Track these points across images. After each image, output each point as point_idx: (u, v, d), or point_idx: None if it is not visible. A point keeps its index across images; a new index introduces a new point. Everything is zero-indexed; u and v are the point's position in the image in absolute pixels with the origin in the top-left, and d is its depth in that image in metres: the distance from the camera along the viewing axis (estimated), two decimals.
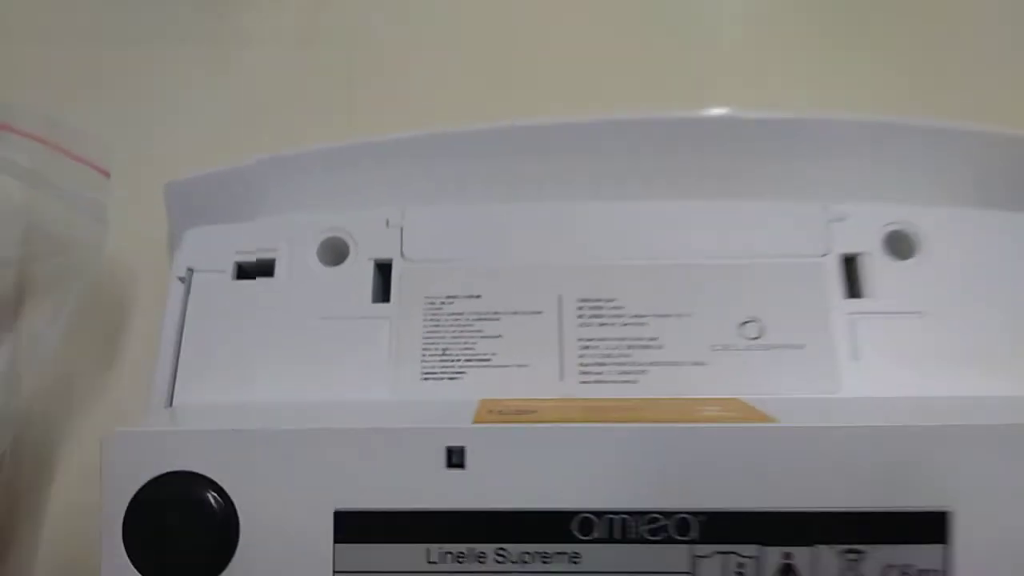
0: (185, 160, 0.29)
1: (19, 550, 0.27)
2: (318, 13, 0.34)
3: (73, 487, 0.27)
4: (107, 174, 0.27)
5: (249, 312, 0.26)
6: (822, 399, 0.23)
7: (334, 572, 0.20)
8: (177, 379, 0.25)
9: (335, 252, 0.26)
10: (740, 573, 0.20)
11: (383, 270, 0.26)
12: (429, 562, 0.20)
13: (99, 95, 0.32)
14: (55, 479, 0.28)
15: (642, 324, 0.25)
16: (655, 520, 0.20)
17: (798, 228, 0.26)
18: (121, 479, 0.20)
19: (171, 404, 0.25)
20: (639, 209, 0.26)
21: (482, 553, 0.20)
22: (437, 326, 0.25)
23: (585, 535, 0.20)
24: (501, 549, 0.20)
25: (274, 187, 0.27)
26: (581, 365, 0.24)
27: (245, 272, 0.26)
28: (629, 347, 0.24)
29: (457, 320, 0.25)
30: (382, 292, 0.26)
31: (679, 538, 0.20)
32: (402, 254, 0.26)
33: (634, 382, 0.24)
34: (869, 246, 0.25)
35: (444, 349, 0.25)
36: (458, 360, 0.24)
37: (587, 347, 0.24)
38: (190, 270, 0.26)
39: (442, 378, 0.24)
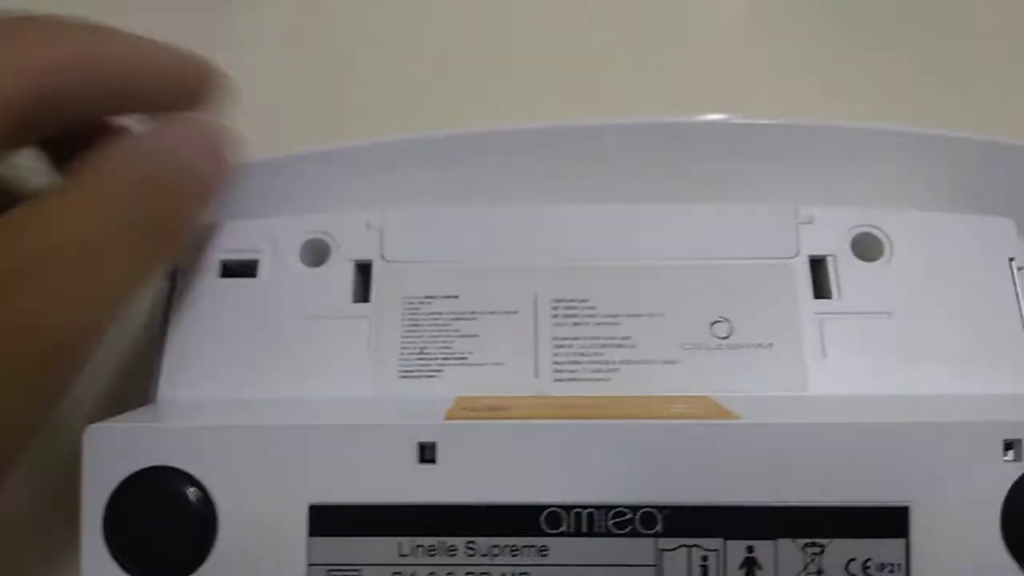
0: None
1: None
2: (307, 16, 0.34)
3: (48, 482, 0.28)
4: None
5: (233, 310, 0.26)
6: (789, 397, 0.24)
7: (308, 565, 0.21)
8: (162, 375, 0.26)
9: (317, 253, 0.27)
10: (704, 566, 0.20)
11: (363, 271, 0.27)
12: (401, 555, 0.21)
13: None
14: (34, 473, 0.28)
15: (615, 324, 0.25)
16: (621, 514, 0.21)
17: (767, 230, 0.26)
18: (102, 473, 0.21)
19: (155, 400, 0.26)
20: (614, 211, 0.26)
21: (452, 546, 0.21)
22: (415, 326, 0.25)
23: (553, 529, 0.21)
24: (471, 542, 0.21)
25: (257, 189, 0.28)
26: (555, 363, 0.25)
27: (230, 270, 0.27)
28: (602, 346, 0.25)
29: (435, 320, 0.25)
30: (363, 292, 0.26)
31: (644, 531, 0.20)
32: (382, 255, 0.27)
33: (607, 380, 0.25)
34: (837, 248, 0.26)
35: (422, 348, 0.25)
36: (436, 359, 0.25)
37: (561, 346, 0.25)
38: (176, 268, 0.27)
39: (420, 376, 0.25)
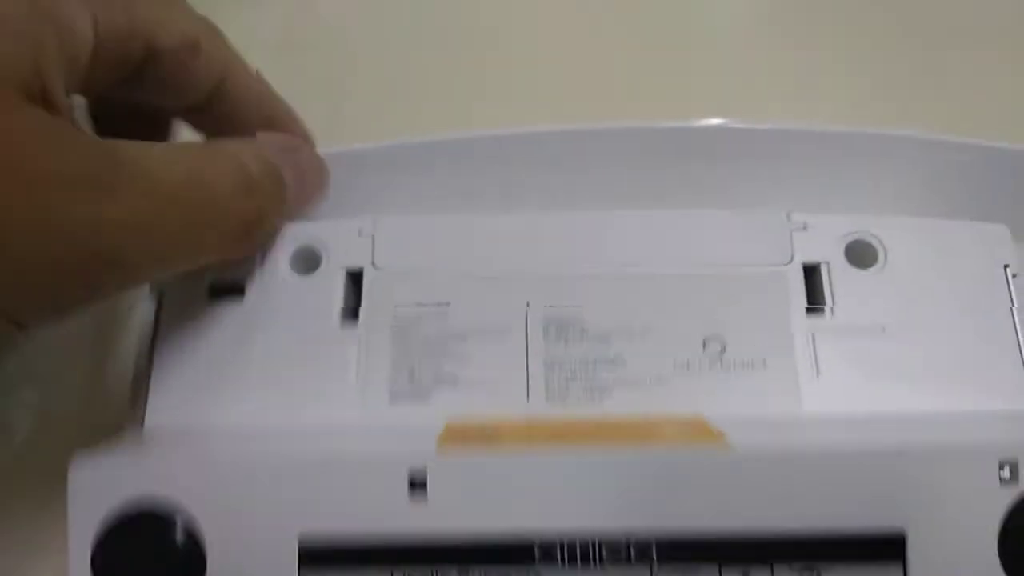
0: None
1: None
2: (299, 19, 0.34)
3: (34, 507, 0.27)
4: None
5: (220, 332, 0.26)
6: (782, 416, 0.24)
7: None
8: (150, 399, 0.25)
9: (308, 260, 0.26)
10: None
11: (355, 279, 0.26)
12: None
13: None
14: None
15: (606, 342, 0.25)
16: (615, 544, 0.20)
17: (761, 236, 0.26)
18: (88, 506, 0.21)
19: (143, 423, 0.25)
20: (606, 218, 0.26)
21: None
22: (405, 346, 0.25)
23: (547, 559, 0.20)
24: (464, 572, 0.20)
25: None
26: (547, 385, 0.24)
27: (218, 290, 0.26)
28: (593, 365, 0.25)
29: (425, 340, 0.25)
30: (353, 300, 0.26)
31: (639, 561, 0.20)
32: (373, 263, 0.26)
33: (598, 401, 0.24)
34: (831, 255, 0.26)
35: (411, 370, 0.25)
36: (425, 382, 0.25)
37: (552, 367, 0.25)
38: (162, 285, 0.26)
39: (410, 400, 0.25)
